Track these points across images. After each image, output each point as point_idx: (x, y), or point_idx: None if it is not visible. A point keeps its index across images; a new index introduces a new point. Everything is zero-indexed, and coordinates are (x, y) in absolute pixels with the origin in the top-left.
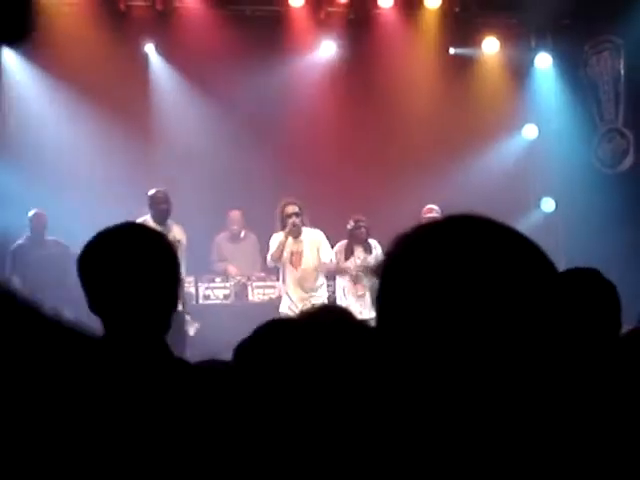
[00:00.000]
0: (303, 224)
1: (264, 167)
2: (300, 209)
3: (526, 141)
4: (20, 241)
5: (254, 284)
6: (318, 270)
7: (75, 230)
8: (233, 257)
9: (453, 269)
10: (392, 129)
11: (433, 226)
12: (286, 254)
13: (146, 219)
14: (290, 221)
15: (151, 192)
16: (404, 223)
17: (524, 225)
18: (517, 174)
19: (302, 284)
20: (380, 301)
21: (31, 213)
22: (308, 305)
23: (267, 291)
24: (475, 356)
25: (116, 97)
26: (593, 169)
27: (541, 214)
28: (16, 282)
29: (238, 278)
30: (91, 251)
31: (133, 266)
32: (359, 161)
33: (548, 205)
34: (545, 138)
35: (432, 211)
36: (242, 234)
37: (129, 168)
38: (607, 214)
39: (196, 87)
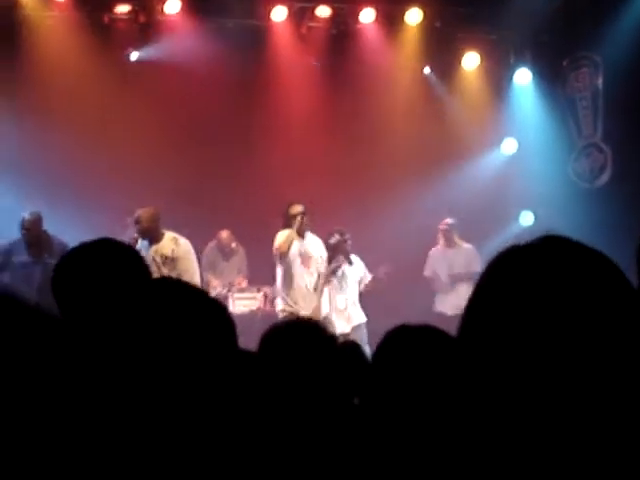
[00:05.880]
0: (308, 226)
1: (246, 180)
2: (305, 210)
3: (505, 156)
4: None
5: (235, 295)
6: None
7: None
8: (222, 272)
9: (544, 290)
10: (372, 144)
11: (526, 248)
12: (295, 252)
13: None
14: (298, 218)
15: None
16: (384, 237)
17: (503, 238)
18: (496, 188)
19: (307, 285)
20: (473, 313)
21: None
22: (309, 308)
23: (247, 302)
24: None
25: (100, 108)
26: (571, 183)
27: (520, 228)
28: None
29: (219, 289)
30: (64, 265)
31: (104, 282)
32: (338, 176)
33: (527, 219)
34: (524, 153)
35: (447, 224)
36: (233, 245)
37: (110, 178)
38: (585, 228)
39: (178, 99)
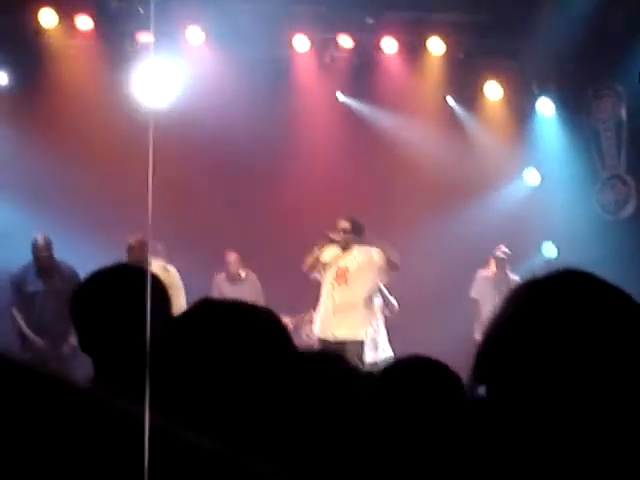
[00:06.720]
0: (359, 241)
1: (267, 209)
2: (352, 225)
3: (528, 187)
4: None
5: None
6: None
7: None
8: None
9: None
10: (394, 173)
11: (544, 284)
12: (332, 269)
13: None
14: (327, 235)
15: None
16: (406, 267)
17: (525, 271)
18: (519, 219)
19: (337, 304)
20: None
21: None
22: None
23: None
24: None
25: (120, 137)
26: (595, 215)
27: (542, 259)
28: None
29: None
30: (83, 291)
31: (125, 307)
32: (358, 204)
33: (550, 250)
34: (547, 184)
35: (505, 253)
36: (242, 274)
37: (130, 208)
38: (609, 260)
39: (200, 127)
